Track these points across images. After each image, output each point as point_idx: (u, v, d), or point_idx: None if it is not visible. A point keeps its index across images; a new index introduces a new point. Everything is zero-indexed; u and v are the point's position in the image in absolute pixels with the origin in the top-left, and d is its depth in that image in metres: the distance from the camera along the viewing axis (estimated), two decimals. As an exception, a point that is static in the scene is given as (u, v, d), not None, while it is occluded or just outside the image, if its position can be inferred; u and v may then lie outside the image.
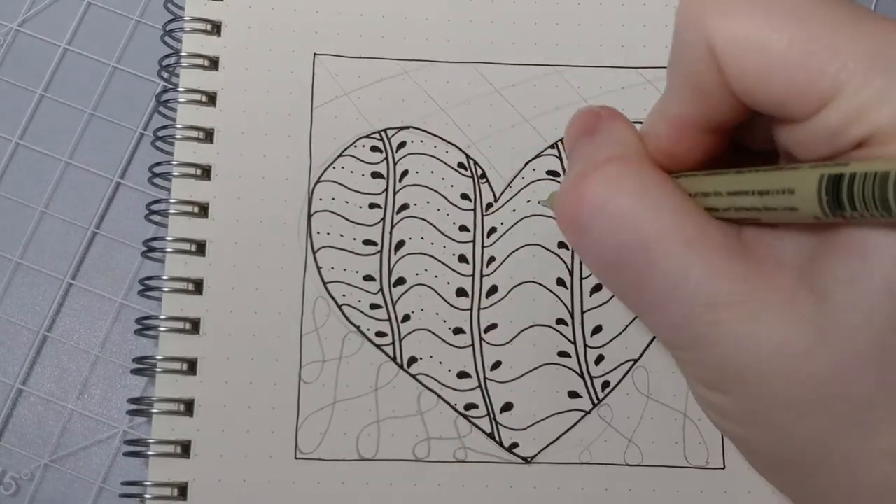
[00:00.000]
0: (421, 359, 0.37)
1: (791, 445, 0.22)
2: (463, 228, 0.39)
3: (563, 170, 0.39)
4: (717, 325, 0.21)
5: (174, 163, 0.38)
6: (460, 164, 0.39)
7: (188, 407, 0.36)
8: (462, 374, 0.37)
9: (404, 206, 0.39)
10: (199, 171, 0.38)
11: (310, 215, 0.38)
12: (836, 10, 0.21)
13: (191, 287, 0.37)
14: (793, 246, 0.22)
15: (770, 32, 0.20)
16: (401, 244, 0.38)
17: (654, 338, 0.38)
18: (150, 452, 0.36)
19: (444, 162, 0.39)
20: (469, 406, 0.37)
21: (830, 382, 0.20)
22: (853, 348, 0.20)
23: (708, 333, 0.21)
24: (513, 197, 0.39)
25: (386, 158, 0.39)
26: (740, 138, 0.25)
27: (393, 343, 0.37)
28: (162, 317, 0.37)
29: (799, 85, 0.20)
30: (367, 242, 0.38)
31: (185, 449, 0.36)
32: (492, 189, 0.39)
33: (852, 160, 0.19)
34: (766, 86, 0.21)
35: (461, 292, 0.38)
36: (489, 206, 0.39)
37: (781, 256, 0.22)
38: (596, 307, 0.38)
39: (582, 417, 0.37)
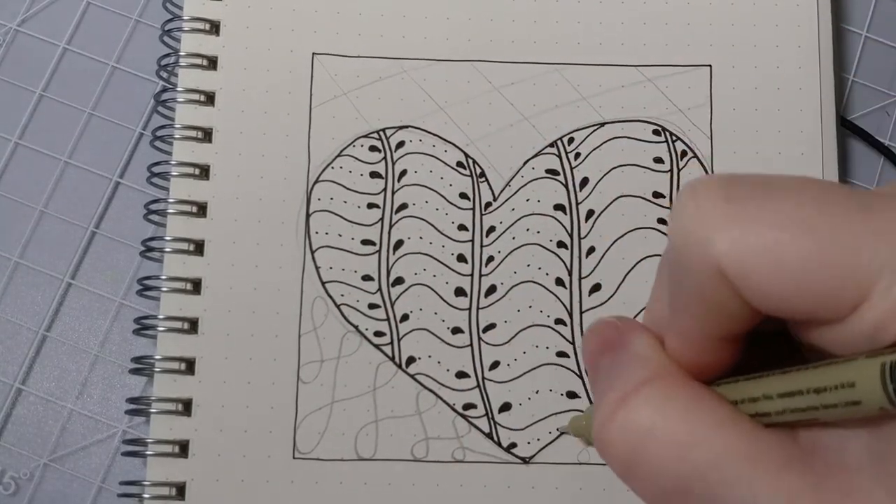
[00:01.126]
0: (419, 358, 0.37)
1: None
2: (462, 228, 0.38)
3: (562, 168, 0.39)
4: None
5: (173, 162, 0.38)
6: (459, 164, 0.39)
7: (186, 407, 0.37)
8: (460, 374, 0.37)
9: (403, 206, 0.39)
10: (197, 171, 0.38)
11: (308, 215, 0.38)
12: (844, 205, 0.19)
13: (189, 287, 0.37)
14: (856, 444, 0.20)
15: (783, 246, 0.19)
16: (399, 244, 0.38)
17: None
18: (148, 452, 0.36)
19: (442, 161, 0.39)
20: (467, 406, 0.37)
21: None
22: None
23: None
24: (512, 196, 0.39)
25: (384, 158, 0.39)
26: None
27: (391, 343, 0.37)
28: (160, 316, 0.37)
29: (825, 294, 0.19)
30: (365, 242, 0.38)
31: (184, 448, 0.36)
32: (491, 188, 0.39)
33: None
34: (789, 301, 0.20)
35: (460, 292, 0.38)
36: (488, 205, 0.39)
37: (847, 458, 0.20)
38: (595, 307, 0.38)
39: (581, 417, 0.37)
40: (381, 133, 0.39)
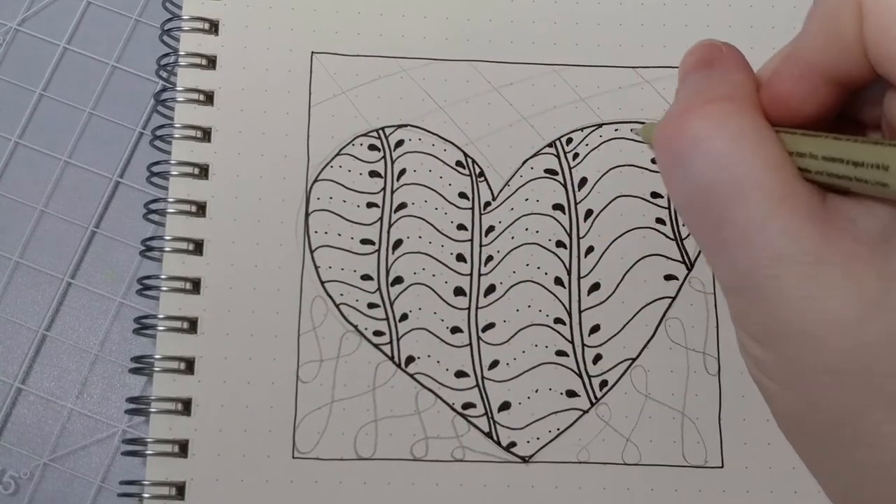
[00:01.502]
0: (419, 358, 0.37)
1: (821, 411, 0.22)
2: (461, 227, 0.38)
3: (561, 168, 0.39)
4: (777, 279, 0.21)
5: (172, 162, 0.38)
6: (458, 163, 0.39)
7: (186, 406, 0.37)
8: (460, 374, 0.37)
9: (402, 205, 0.39)
10: (196, 171, 0.38)
11: (307, 214, 0.38)
12: None
13: (188, 286, 0.37)
14: (872, 223, 0.22)
15: None
16: (398, 243, 0.38)
17: (652, 336, 0.38)
18: (148, 452, 0.36)
19: (442, 160, 0.39)
20: (467, 405, 0.37)
21: (875, 357, 0.20)
22: None
23: (767, 286, 0.22)
24: (511, 195, 0.39)
25: (384, 157, 0.39)
26: (851, 107, 0.25)
27: (391, 342, 0.37)
28: (160, 316, 0.37)
29: None
30: (364, 241, 0.38)
31: (183, 448, 0.36)
32: (490, 188, 0.39)
33: None
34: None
35: (459, 291, 0.38)
36: (487, 204, 0.39)
37: (859, 230, 0.22)
38: (594, 306, 0.38)
39: (580, 416, 0.37)
40: (381, 132, 0.39)
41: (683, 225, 0.39)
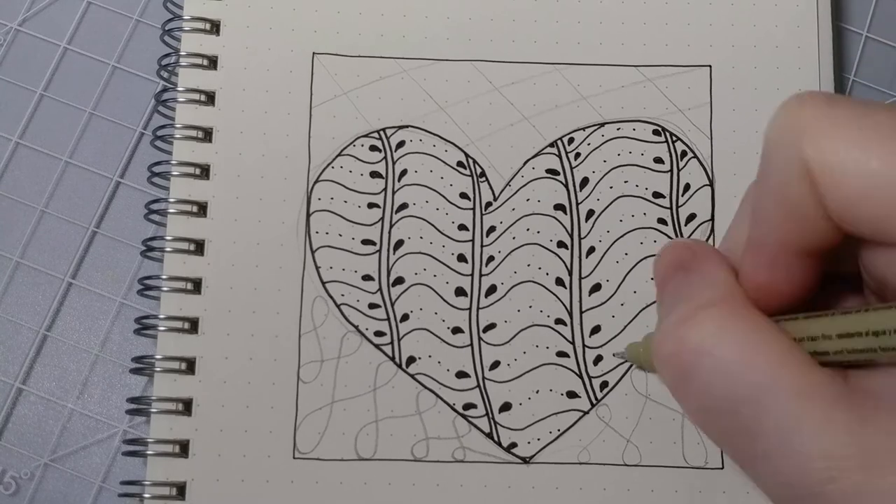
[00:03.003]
0: (420, 358, 0.37)
1: None
2: (462, 227, 0.38)
3: (562, 168, 0.39)
4: (834, 481, 0.20)
5: (173, 162, 0.38)
6: (459, 163, 0.39)
7: (187, 406, 0.37)
8: (461, 374, 0.37)
9: (403, 206, 0.39)
10: (197, 171, 0.38)
11: (308, 215, 0.38)
12: None
13: (189, 286, 0.37)
14: None
15: (870, 155, 0.20)
16: (400, 243, 0.38)
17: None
18: (148, 452, 0.36)
19: (443, 161, 0.39)
20: (468, 406, 0.37)
21: None
22: None
23: (824, 491, 0.20)
24: (512, 196, 0.39)
25: (385, 158, 0.39)
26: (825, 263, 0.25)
27: (392, 342, 0.37)
28: (161, 316, 0.37)
29: None
30: (365, 242, 0.38)
31: (184, 448, 0.36)
32: (491, 188, 0.39)
33: None
34: (866, 209, 0.20)
35: (460, 292, 0.38)
36: (488, 205, 0.39)
37: (893, 404, 0.21)
38: (595, 307, 0.38)
39: (580, 417, 0.37)
40: (382, 133, 0.39)
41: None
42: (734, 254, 0.25)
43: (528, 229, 0.38)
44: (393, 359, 0.37)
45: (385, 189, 0.39)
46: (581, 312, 0.38)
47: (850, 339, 0.21)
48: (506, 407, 0.37)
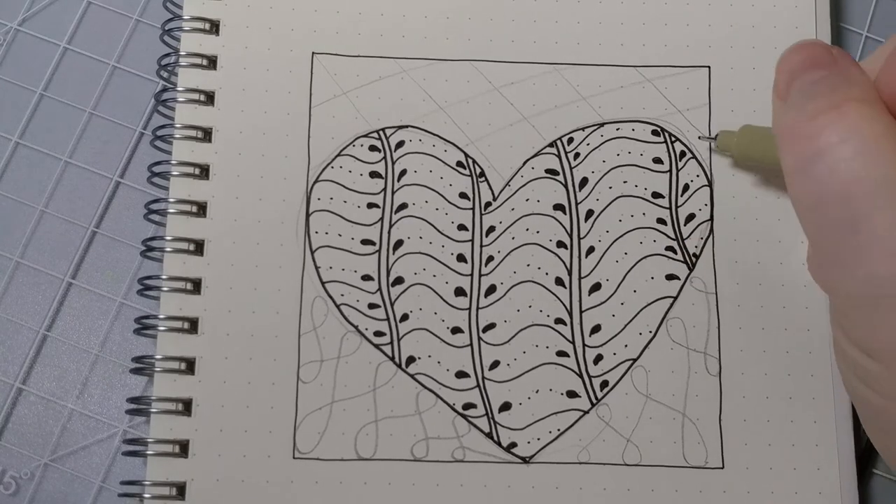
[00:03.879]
0: (419, 358, 0.37)
1: None
2: (461, 227, 0.38)
3: (562, 168, 0.39)
4: None
5: (173, 162, 0.38)
6: (459, 163, 0.39)
7: (186, 406, 0.37)
8: (460, 374, 0.37)
9: (403, 206, 0.39)
10: (197, 171, 0.38)
11: (308, 215, 0.38)
12: None
13: (189, 286, 0.37)
14: None
15: None
16: (399, 244, 0.38)
17: (653, 337, 0.38)
18: (148, 452, 0.36)
19: (442, 161, 0.39)
20: (467, 406, 0.37)
21: None
22: None
23: (893, 297, 0.21)
24: (512, 196, 0.39)
25: (384, 158, 0.39)
26: None
27: (391, 342, 0.37)
28: (161, 316, 0.37)
29: None
30: (365, 242, 0.38)
31: (184, 448, 0.36)
32: (490, 188, 0.39)
33: None
34: None
35: (460, 291, 0.38)
36: (488, 204, 0.39)
37: None
38: (594, 306, 0.38)
39: (580, 417, 0.37)
40: (381, 133, 0.39)
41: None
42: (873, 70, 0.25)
43: (527, 229, 0.38)
44: (392, 359, 0.37)
45: (384, 189, 0.39)
46: (581, 312, 0.38)
47: None
48: (505, 407, 0.37)
